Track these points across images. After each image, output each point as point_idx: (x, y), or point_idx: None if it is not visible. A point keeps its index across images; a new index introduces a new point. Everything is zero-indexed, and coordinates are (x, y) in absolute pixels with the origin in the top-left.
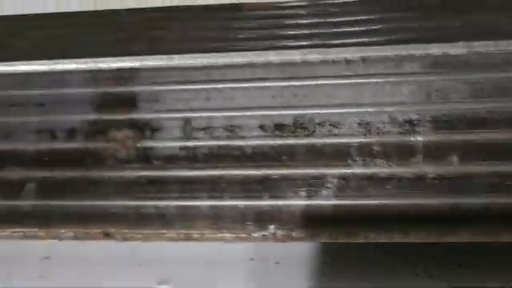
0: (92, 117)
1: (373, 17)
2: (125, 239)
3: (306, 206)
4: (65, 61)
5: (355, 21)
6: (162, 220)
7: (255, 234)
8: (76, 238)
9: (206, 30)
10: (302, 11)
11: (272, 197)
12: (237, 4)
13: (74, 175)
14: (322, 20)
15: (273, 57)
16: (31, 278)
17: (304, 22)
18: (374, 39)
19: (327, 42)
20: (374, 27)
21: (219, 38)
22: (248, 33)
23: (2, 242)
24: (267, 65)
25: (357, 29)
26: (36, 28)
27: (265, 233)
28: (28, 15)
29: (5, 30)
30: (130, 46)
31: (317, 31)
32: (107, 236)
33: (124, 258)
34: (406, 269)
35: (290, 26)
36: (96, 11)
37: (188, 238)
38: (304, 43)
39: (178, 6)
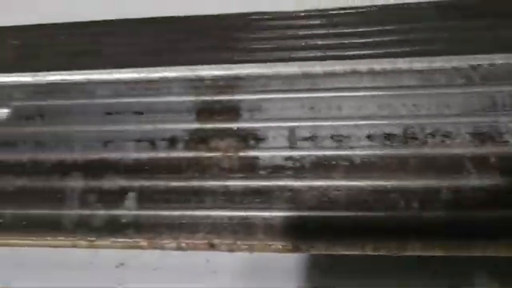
0: (193, 126)
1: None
2: (230, 250)
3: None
4: (164, 68)
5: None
6: (268, 231)
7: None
8: (179, 248)
9: (304, 39)
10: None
11: (383, 209)
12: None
13: (176, 185)
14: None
15: (377, 65)
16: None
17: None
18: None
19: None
20: None
21: (321, 46)
22: (351, 39)
23: (74, 250)
24: (373, 73)
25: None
26: (130, 34)
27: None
28: (118, 20)
29: (88, 37)
30: (231, 54)
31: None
32: (212, 247)
33: (200, 265)
34: None
35: (384, 33)
36: (190, 16)
37: (296, 250)
38: (407, 49)
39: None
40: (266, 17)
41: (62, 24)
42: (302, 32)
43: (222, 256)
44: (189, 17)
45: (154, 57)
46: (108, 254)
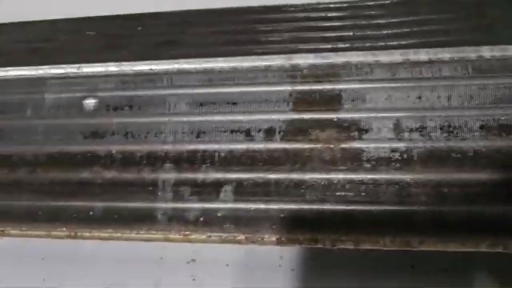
0: (291, 116)
1: None
2: (333, 245)
3: None
4: (258, 57)
5: None
6: (375, 226)
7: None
8: (280, 242)
9: (406, 26)
10: None
11: (501, 203)
12: None
13: (274, 177)
14: None
15: (487, 53)
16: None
17: None
18: None
19: None
20: None
21: (425, 33)
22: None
23: (147, 245)
24: (485, 61)
25: None
26: (214, 23)
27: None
28: (201, 10)
29: (174, 27)
30: (327, 42)
31: None
32: (315, 242)
33: (273, 262)
34: None
35: None
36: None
37: (405, 245)
38: None
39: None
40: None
41: (142, 14)
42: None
43: (294, 252)
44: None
45: (245, 46)
46: (177, 250)
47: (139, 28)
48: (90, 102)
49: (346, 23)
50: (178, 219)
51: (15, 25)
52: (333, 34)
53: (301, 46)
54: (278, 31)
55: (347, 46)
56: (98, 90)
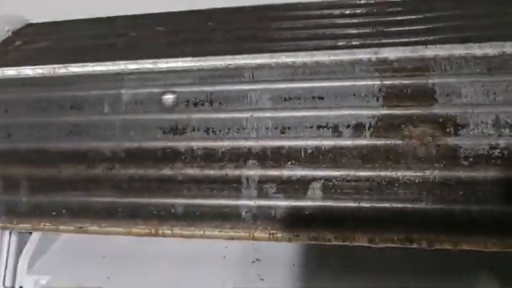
0: (381, 111)
1: None
2: (430, 246)
3: None
4: (342, 51)
5: None
6: (475, 226)
7: None
8: (372, 242)
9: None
10: None
11: None
12: None
13: (364, 174)
14: None
15: None
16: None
17: None
18: None
19: None
20: None
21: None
22: None
23: (208, 244)
24: None
25: None
26: (287, 18)
27: None
28: (281, 5)
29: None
30: (419, 35)
31: None
32: (410, 242)
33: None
34: None
35: None
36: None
37: (508, 247)
38: None
39: None
40: None
41: (211, 10)
42: None
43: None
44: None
45: (327, 40)
46: (239, 249)
47: (210, 23)
48: (169, 98)
49: (432, 15)
50: (263, 217)
51: (84, 21)
52: (420, 27)
53: (385, 40)
54: (360, 25)
55: (436, 38)
56: (177, 85)
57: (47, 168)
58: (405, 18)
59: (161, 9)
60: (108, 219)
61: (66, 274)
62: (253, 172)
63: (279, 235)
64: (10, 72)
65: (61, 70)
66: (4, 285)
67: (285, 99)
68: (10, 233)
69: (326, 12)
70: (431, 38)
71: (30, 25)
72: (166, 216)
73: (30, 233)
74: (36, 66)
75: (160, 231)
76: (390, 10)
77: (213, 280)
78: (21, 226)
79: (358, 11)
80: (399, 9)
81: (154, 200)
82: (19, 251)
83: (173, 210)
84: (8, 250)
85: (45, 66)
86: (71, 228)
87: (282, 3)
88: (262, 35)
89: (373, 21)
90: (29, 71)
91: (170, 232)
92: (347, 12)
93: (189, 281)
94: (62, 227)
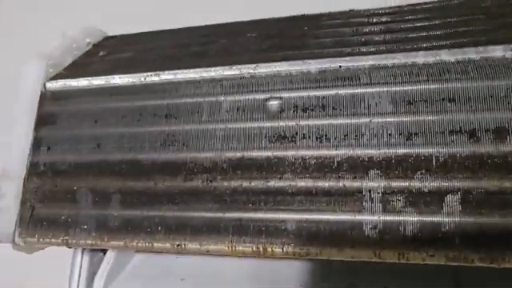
0: None
1: None
2: None
3: None
4: (467, 49)
5: None
6: None
7: None
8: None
9: None
10: None
11: None
12: None
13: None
14: None
15: None
16: None
17: None
18: None
19: None
20: None
21: None
22: None
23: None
24: None
25: None
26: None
27: None
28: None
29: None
30: None
31: None
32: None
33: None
34: None
35: None
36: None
37: None
38: None
39: None
40: None
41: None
42: None
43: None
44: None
45: (447, 40)
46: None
47: (305, 28)
48: (274, 104)
49: None
50: (390, 234)
51: (165, 32)
52: None
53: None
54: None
55: None
56: (282, 90)
57: (140, 180)
58: None
59: (241, 17)
60: (209, 236)
61: None
62: (376, 183)
63: (410, 254)
64: (98, 82)
65: (152, 77)
66: None
67: (409, 102)
68: (83, 252)
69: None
70: None
71: (110, 37)
72: (275, 233)
73: (104, 252)
74: (124, 75)
75: (269, 249)
76: None
77: None
78: (112, 243)
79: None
80: None
81: (261, 215)
82: (92, 272)
83: (283, 227)
84: (80, 270)
85: (134, 75)
86: (167, 246)
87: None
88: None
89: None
90: (117, 80)
91: (280, 251)
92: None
93: None
94: (157, 245)
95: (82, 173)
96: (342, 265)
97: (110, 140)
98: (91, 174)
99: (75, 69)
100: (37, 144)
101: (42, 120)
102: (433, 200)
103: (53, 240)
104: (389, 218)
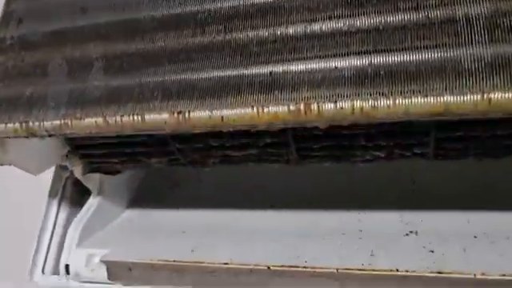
0: None
1: None
2: None
3: None
4: None
5: None
6: None
7: None
8: None
9: None
10: None
11: None
12: None
13: None
14: None
15: None
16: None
17: None
18: None
19: None
20: None
21: None
22: None
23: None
24: None
25: None
26: None
27: None
28: None
29: None
30: None
31: None
32: None
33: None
34: None
35: None
36: None
37: None
38: None
39: None
40: None
41: None
42: None
43: None
44: None
45: None
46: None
47: None
48: None
49: None
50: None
51: None
52: None
53: None
54: None
55: None
56: None
57: (134, 40)
58: None
59: None
60: (225, 98)
61: (134, 247)
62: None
63: None
64: None
65: None
66: (45, 262)
67: None
68: (59, 203)
69: None
70: None
71: None
72: (324, 82)
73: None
74: None
75: (314, 107)
76: None
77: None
78: (87, 121)
79: None
80: None
81: (302, 65)
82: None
83: (336, 74)
84: (55, 221)
85: None
86: (164, 116)
87: None
88: None
89: None
90: None
91: (332, 107)
92: None
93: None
94: (149, 116)
95: (58, 42)
96: None
97: (97, 1)
98: (70, 41)
99: None
100: (6, 19)
101: None
102: None
103: (8, 125)
104: None
